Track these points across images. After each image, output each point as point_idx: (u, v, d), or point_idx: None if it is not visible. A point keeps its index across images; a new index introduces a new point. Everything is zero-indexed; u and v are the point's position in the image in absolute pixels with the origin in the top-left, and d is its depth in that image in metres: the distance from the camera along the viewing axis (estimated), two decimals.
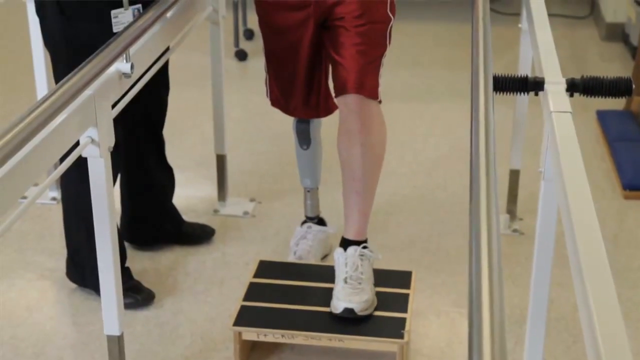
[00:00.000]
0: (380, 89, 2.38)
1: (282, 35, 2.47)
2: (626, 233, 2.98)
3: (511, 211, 2.97)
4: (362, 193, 2.41)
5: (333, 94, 2.46)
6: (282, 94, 2.58)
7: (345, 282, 2.33)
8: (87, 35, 2.20)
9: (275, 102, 2.62)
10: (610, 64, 4.48)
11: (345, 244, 2.43)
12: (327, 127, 2.70)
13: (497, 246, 1.07)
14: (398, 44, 4.53)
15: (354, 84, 2.33)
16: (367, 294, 2.32)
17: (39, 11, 2.34)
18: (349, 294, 2.30)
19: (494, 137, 1.36)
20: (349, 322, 2.26)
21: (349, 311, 2.28)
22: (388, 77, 2.54)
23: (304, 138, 2.66)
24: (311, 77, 2.52)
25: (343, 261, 2.38)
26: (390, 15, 2.39)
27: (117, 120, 1.99)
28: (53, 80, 2.48)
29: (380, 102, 2.40)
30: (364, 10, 2.32)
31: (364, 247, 2.41)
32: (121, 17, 2.21)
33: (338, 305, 2.30)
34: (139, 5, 2.22)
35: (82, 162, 1.87)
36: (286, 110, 2.62)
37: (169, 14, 2.24)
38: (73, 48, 2.23)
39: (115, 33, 2.05)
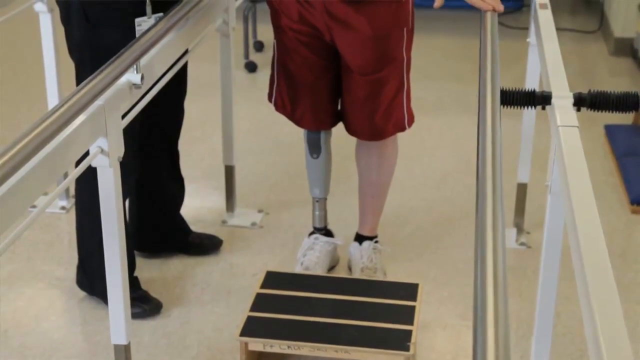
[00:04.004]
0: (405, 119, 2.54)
1: (296, 50, 2.48)
2: (634, 248, 2.97)
3: (518, 224, 2.97)
4: (376, 196, 2.71)
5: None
6: (290, 98, 2.56)
7: (362, 271, 2.65)
8: (112, 43, 2.18)
9: (280, 108, 2.61)
10: (619, 79, 4.48)
11: (360, 238, 2.74)
12: (336, 138, 2.71)
13: (503, 260, 1.07)
14: None
15: (367, 137, 2.56)
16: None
17: (65, 20, 2.36)
18: None
19: (501, 150, 1.37)
20: (356, 333, 2.26)
21: None
22: None
23: (315, 147, 2.66)
24: (325, 84, 2.52)
25: (359, 254, 2.70)
26: (405, 54, 2.46)
27: (133, 131, 1.99)
28: (66, 91, 2.49)
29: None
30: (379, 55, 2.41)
31: (376, 242, 2.72)
32: (145, 26, 2.22)
33: None
34: (162, 14, 2.24)
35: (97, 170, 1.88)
36: (292, 117, 2.61)
37: (179, 26, 2.26)
38: (98, 56, 2.23)
39: None
